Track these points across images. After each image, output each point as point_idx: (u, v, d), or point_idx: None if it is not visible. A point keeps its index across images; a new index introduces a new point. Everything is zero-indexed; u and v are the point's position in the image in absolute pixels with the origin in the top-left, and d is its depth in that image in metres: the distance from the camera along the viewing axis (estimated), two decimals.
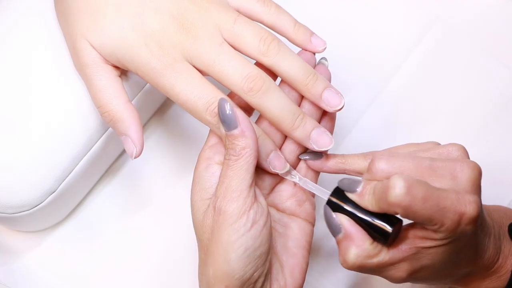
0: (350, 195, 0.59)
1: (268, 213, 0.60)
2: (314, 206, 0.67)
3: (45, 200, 0.69)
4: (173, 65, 0.61)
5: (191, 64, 0.62)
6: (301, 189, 0.66)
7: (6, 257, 0.76)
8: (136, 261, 0.77)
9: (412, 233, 0.59)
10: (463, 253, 0.60)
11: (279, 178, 0.66)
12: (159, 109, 0.80)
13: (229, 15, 0.63)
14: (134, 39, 0.62)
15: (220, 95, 0.61)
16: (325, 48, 0.65)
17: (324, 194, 0.61)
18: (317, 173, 0.66)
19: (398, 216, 0.58)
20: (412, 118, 0.80)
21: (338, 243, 0.60)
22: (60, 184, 0.69)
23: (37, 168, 0.67)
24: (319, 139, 0.63)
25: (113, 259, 0.76)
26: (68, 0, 0.64)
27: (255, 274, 0.59)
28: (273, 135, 0.64)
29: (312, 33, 0.66)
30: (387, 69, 0.81)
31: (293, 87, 0.64)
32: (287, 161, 0.64)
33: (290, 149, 0.65)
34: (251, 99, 0.61)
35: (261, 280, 0.59)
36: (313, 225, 0.66)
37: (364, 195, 0.59)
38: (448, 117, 0.80)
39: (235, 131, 0.59)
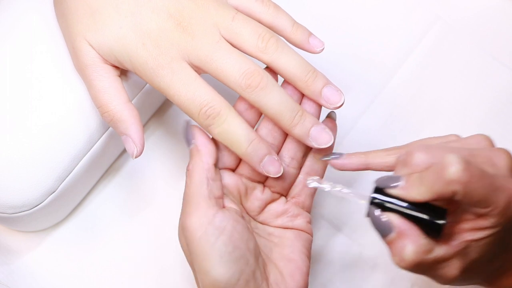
0: (393, 191, 0.57)
1: (239, 216, 0.61)
2: (308, 220, 0.67)
3: (45, 200, 0.69)
4: (170, 65, 0.61)
5: (189, 62, 0.62)
6: (294, 204, 0.66)
7: (6, 257, 0.76)
8: (136, 260, 0.77)
9: (459, 228, 0.57)
10: (503, 242, 0.59)
11: (270, 199, 0.66)
12: (159, 109, 0.80)
13: (227, 12, 0.63)
14: (132, 39, 0.62)
15: (213, 97, 0.61)
16: (323, 49, 0.65)
17: (363, 197, 0.59)
18: (312, 194, 0.67)
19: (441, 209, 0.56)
20: (412, 118, 0.80)
21: (390, 243, 0.57)
22: (60, 184, 0.69)
23: (37, 168, 0.67)
24: (318, 136, 0.62)
25: (114, 259, 0.76)
26: (68, 1, 0.64)
27: (242, 277, 0.59)
28: (272, 137, 0.64)
29: (310, 34, 0.65)
30: (387, 69, 0.81)
31: (292, 84, 0.64)
32: (289, 162, 0.64)
33: (291, 152, 0.65)
34: (249, 96, 0.61)
35: (251, 283, 0.60)
36: (310, 235, 0.66)
37: (409, 187, 0.56)
38: (448, 117, 0.80)
39: (190, 147, 0.61)
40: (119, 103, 0.64)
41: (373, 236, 0.76)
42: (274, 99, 0.61)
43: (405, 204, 0.56)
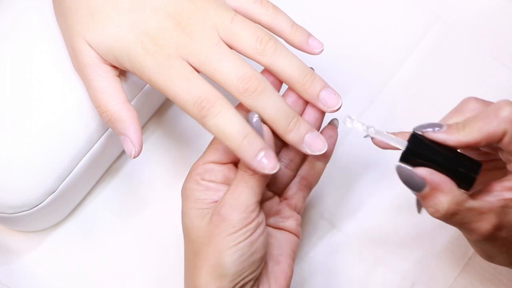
0: (435, 135, 0.57)
1: (265, 223, 0.61)
2: (299, 222, 0.67)
3: (45, 200, 0.69)
4: (167, 61, 0.61)
5: (187, 62, 0.62)
6: (286, 205, 0.67)
7: (6, 257, 0.76)
8: (136, 261, 0.77)
9: (499, 185, 0.58)
10: None
11: (264, 197, 0.66)
12: (159, 109, 0.80)
13: (226, 14, 0.63)
14: (130, 37, 0.62)
15: (209, 90, 0.60)
16: (322, 50, 0.65)
17: (399, 142, 0.59)
18: (305, 197, 0.68)
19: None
20: (412, 118, 0.80)
21: (423, 197, 0.57)
22: (60, 184, 0.69)
23: (37, 168, 0.67)
24: (312, 142, 0.62)
25: (113, 259, 0.77)
26: (67, 0, 0.64)
27: (247, 278, 0.60)
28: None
29: (310, 35, 0.65)
30: (387, 69, 0.81)
31: (290, 87, 0.64)
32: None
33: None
34: (246, 100, 0.61)
35: (250, 283, 0.60)
36: (298, 237, 0.67)
37: (452, 130, 0.57)
38: None
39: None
40: (117, 103, 0.64)
41: (374, 236, 0.77)
42: (271, 104, 0.61)
43: (436, 157, 0.57)
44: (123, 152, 0.78)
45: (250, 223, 0.60)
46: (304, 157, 0.67)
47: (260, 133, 0.60)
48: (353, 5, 0.82)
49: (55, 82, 0.68)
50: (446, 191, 0.56)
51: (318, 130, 0.65)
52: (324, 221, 0.78)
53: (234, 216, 0.59)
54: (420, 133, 0.58)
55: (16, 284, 0.75)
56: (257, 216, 0.60)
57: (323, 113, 0.65)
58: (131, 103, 0.66)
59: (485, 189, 0.58)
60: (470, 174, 0.57)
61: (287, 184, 0.67)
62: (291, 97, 0.64)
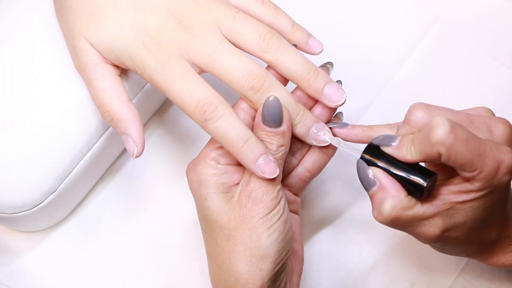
0: (387, 149, 0.59)
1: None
2: (299, 204, 0.69)
3: (45, 200, 0.69)
4: (168, 61, 0.61)
5: (189, 61, 0.62)
6: (288, 191, 0.68)
7: (6, 257, 0.76)
8: (136, 261, 0.77)
9: (446, 189, 0.58)
10: (494, 212, 0.60)
11: None
12: (159, 109, 0.80)
13: (228, 11, 0.63)
14: (132, 37, 0.62)
15: (211, 93, 0.61)
16: (322, 50, 0.65)
17: (356, 152, 0.61)
18: (310, 179, 0.68)
19: (432, 173, 0.58)
20: None
21: (372, 197, 0.59)
22: (60, 184, 0.69)
23: (37, 168, 0.67)
24: (316, 136, 0.64)
25: (113, 259, 0.77)
26: (67, 1, 0.64)
27: (285, 257, 0.62)
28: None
29: (310, 35, 0.66)
30: (387, 69, 0.81)
31: (294, 83, 0.64)
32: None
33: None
34: (252, 97, 0.61)
35: (287, 262, 0.62)
36: (299, 215, 0.69)
37: (402, 146, 0.58)
38: None
39: (280, 129, 0.61)
40: (119, 103, 0.64)
41: (373, 236, 0.77)
42: None
43: (392, 164, 0.59)
44: (123, 152, 0.78)
45: (279, 202, 0.61)
46: (309, 149, 0.67)
47: (278, 114, 0.61)
48: (353, 5, 0.82)
49: (55, 82, 0.68)
50: (393, 195, 0.58)
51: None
52: (324, 221, 0.78)
53: (267, 197, 0.61)
54: (377, 144, 0.60)
55: (16, 284, 0.75)
56: (282, 194, 0.62)
57: (331, 112, 0.65)
58: (132, 102, 0.66)
59: (432, 194, 0.59)
60: (419, 183, 0.58)
61: (290, 172, 0.67)
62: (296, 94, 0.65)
